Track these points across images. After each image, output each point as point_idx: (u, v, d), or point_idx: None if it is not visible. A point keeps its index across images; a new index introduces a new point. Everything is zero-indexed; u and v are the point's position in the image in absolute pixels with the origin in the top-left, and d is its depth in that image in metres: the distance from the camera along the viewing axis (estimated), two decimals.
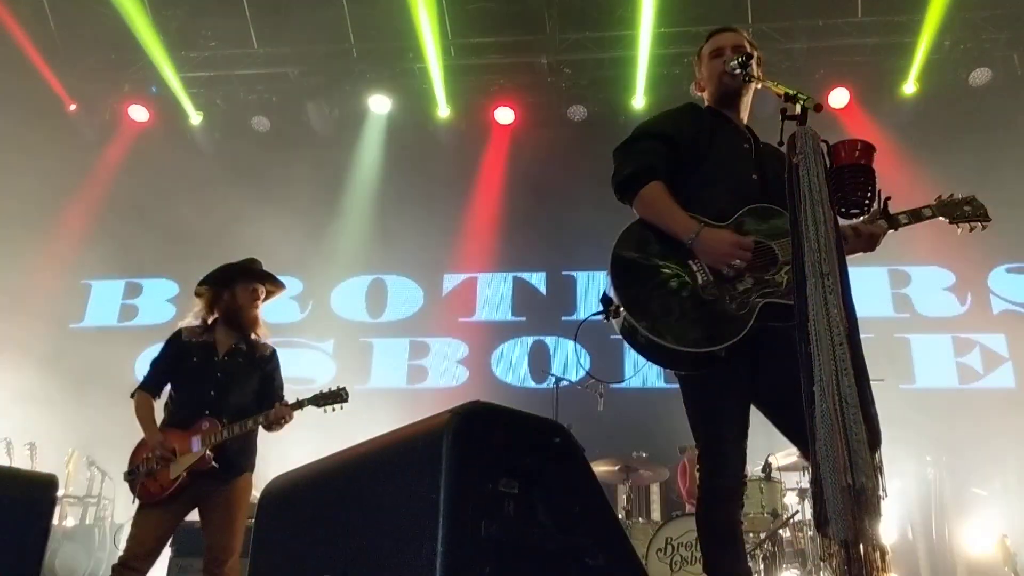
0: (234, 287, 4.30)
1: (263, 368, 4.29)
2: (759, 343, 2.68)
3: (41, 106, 9.28)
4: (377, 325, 9.09)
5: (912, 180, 7.38)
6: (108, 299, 9.44)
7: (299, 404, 4.14)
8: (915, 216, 2.95)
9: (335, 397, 4.24)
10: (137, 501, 3.98)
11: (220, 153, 9.59)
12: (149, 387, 4.22)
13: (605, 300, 2.77)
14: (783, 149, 2.42)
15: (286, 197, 9.14)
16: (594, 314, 2.93)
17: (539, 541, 1.75)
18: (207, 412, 4.05)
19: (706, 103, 3.16)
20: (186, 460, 3.96)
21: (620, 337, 2.75)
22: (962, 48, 8.48)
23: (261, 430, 4.18)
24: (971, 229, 3.02)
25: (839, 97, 8.57)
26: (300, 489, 2.29)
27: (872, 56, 8.67)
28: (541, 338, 8.72)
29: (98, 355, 8.56)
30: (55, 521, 6.37)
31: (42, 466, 6.94)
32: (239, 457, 4.11)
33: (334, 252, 9.14)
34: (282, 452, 4.48)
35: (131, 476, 4.04)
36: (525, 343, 8.74)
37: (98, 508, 7.29)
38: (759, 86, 3.04)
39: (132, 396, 4.19)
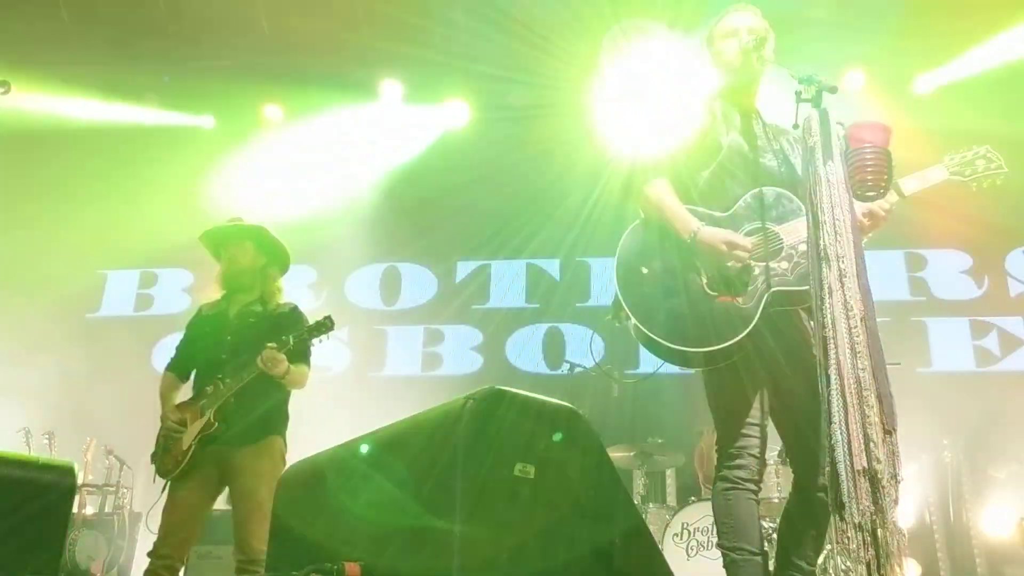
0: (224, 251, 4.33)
1: (281, 325, 4.06)
2: (775, 329, 2.67)
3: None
4: (391, 313, 9.10)
5: (931, 163, 7.29)
6: (124, 289, 9.48)
7: (285, 343, 3.86)
8: (922, 180, 2.90)
9: (319, 328, 3.94)
10: (161, 483, 3.92)
11: (231, 141, 9.58)
12: (171, 367, 4.27)
13: (615, 304, 2.77)
14: (798, 131, 2.42)
15: (298, 185, 9.15)
16: (607, 318, 2.93)
17: (555, 526, 1.75)
18: (220, 376, 3.95)
19: (717, 85, 3.14)
20: (195, 428, 3.88)
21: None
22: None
23: (294, 396, 4.09)
24: (986, 184, 2.97)
25: (854, 79, 8.49)
26: (318, 474, 2.30)
27: (888, 37, 8.56)
28: (556, 325, 8.71)
29: (115, 344, 8.63)
30: (74, 510, 6.42)
31: (60, 455, 6.97)
32: (244, 418, 3.90)
33: (348, 240, 9.14)
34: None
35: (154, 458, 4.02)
36: (539, 330, 8.73)
37: (117, 496, 7.33)
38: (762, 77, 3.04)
39: None
